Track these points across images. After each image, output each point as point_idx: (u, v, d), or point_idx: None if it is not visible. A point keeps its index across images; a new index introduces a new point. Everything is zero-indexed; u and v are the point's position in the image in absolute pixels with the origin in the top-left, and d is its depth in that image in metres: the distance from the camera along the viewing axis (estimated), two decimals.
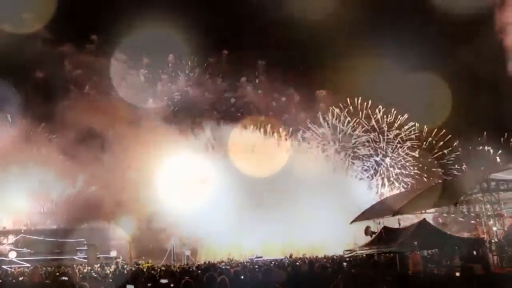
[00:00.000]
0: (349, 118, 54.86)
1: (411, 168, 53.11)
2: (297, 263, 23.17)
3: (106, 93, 53.29)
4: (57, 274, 26.38)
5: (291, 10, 47.57)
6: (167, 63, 56.89)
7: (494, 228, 22.24)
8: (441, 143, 52.85)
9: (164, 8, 48.14)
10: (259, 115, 56.05)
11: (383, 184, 54.04)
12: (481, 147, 50.67)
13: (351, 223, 26.96)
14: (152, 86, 56.67)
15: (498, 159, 48.90)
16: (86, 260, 41.09)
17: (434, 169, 51.64)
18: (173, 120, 54.39)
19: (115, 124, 50.25)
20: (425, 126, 53.11)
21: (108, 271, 31.08)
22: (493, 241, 21.60)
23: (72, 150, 50.60)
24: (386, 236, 21.30)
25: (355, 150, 55.15)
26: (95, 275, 26.05)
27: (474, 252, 19.87)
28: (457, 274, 17.09)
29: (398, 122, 54.08)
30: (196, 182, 47.60)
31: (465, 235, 26.15)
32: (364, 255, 21.94)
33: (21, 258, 40.35)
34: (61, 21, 48.74)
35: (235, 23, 51.93)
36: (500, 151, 49.05)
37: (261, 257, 43.42)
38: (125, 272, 27.12)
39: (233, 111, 56.95)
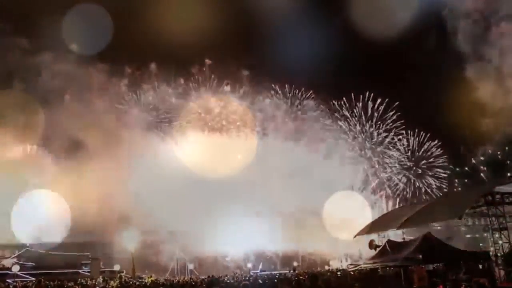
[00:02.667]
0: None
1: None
2: (301, 277, 23.07)
3: (89, 104, 51.93)
4: None
5: None
6: (150, 72, 55.35)
7: (500, 242, 22.04)
8: None
9: (145, 17, 48.17)
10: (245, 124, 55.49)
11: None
12: None
13: (355, 236, 26.79)
14: (135, 96, 55.29)
15: None
16: (90, 274, 41.05)
17: None
18: (157, 130, 53.89)
19: (100, 135, 49.45)
20: None
21: (111, 285, 31.01)
22: (498, 254, 21.40)
23: (62, 161, 50.60)
24: (391, 249, 21.12)
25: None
26: None
27: (480, 266, 19.69)
28: None
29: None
30: (194, 193, 47.11)
31: (471, 248, 25.93)
32: (369, 269, 21.77)
33: (26, 272, 40.35)
34: (40, 30, 47.55)
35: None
36: None
37: (264, 270, 43.23)
38: (129, 286, 27.04)
39: (219, 120, 55.70)
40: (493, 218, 22.09)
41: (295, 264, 48.06)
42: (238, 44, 50.55)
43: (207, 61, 55.89)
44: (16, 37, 50.00)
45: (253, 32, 50.17)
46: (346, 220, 40.18)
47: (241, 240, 47.41)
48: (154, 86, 55.64)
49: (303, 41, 50.07)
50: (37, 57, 50.86)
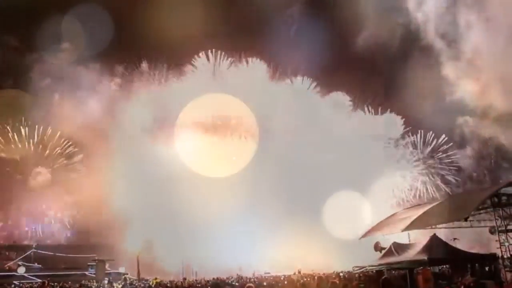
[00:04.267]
0: None
1: None
2: (307, 279, 23.04)
3: (82, 103, 52.04)
4: None
5: None
6: (141, 71, 55.81)
7: (506, 244, 21.91)
8: None
9: (135, 16, 48.30)
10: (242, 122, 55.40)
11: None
12: None
13: (361, 238, 26.68)
14: (127, 94, 54.91)
15: None
16: (95, 276, 41.19)
17: None
18: (151, 129, 53.61)
19: (94, 135, 49.41)
20: None
21: (116, 287, 31.13)
22: (505, 256, 21.27)
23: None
24: (396, 251, 21.07)
25: None
26: None
27: (486, 268, 19.59)
28: None
29: None
30: (198, 197, 46.96)
31: (477, 250, 25.78)
32: (374, 271, 21.69)
33: (32, 274, 40.58)
34: (31, 29, 47.76)
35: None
36: None
37: (269, 272, 43.12)
38: None
39: (213, 119, 55.52)
40: (500, 220, 21.98)
41: (299, 266, 47.88)
42: (230, 41, 51.00)
43: (200, 56, 55.85)
44: (6, 36, 50.31)
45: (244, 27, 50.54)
46: (351, 221, 40.01)
47: (246, 242, 47.33)
48: (145, 85, 55.51)
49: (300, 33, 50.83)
50: (28, 56, 51.04)
